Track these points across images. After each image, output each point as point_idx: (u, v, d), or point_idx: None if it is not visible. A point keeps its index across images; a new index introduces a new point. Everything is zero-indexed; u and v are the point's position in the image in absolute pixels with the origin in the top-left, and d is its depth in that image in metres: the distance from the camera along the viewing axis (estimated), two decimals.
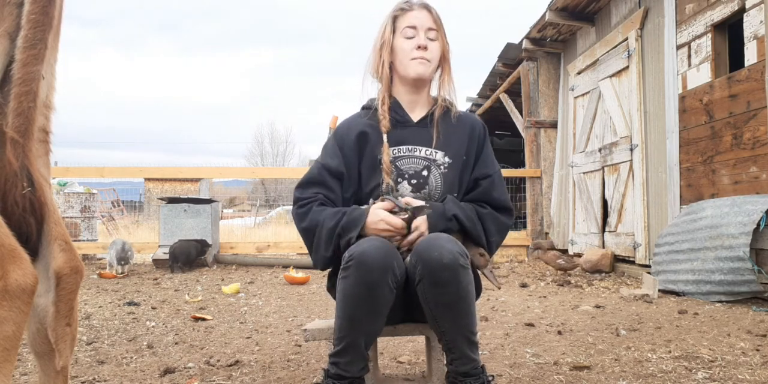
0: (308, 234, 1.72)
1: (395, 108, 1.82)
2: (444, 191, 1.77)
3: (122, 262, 5.64)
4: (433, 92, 1.89)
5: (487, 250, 1.75)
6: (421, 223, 1.66)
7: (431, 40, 1.78)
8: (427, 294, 1.55)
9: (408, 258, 1.62)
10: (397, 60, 1.79)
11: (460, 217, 1.69)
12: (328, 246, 1.66)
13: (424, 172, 1.78)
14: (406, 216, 1.63)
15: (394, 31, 1.79)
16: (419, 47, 1.76)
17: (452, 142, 1.81)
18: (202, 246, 6.13)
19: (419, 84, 1.82)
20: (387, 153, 1.76)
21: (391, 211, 1.66)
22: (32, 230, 1.09)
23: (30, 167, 1.08)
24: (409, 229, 1.64)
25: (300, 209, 1.75)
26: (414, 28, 1.77)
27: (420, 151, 1.79)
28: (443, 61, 1.84)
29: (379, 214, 1.64)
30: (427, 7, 1.80)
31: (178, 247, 5.85)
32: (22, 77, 1.05)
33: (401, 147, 1.79)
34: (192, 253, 5.97)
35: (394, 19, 1.80)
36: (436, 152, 1.79)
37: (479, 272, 1.78)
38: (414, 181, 1.77)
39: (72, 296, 1.16)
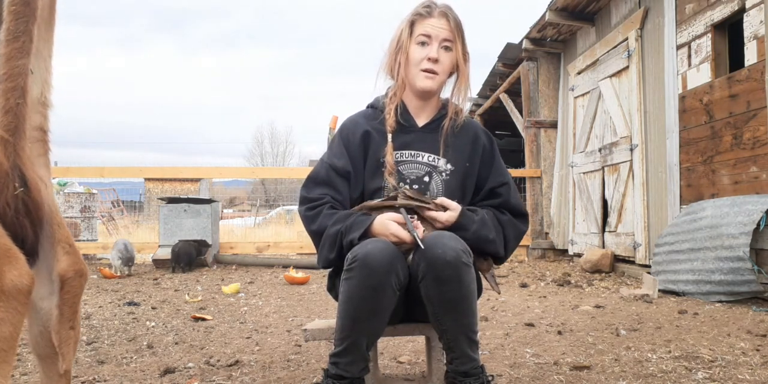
0: (317, 237, 1.72)
1: (402, 111, 1.81)
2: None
3: (129, 263, 5.63)
4: (445, 94, 1.86)
5: (504, 256, 1.78)
6: (453, 205, 1.68)
7: (446, 49, 1.75)
8: (430, 291, 1.55)
9: (410, 257, 1.61)
10: (408, 66, 1.77)
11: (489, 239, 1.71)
12: (332, 248, 1.65)
13: (426, 178, 1.78)
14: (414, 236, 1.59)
15: (410, 35, 1.75)
16: (429, 59, 1.73)
17: (455, 149, 1.81)
18: (200, 246, 6.14)
19: (426, 95, 1.81)
20: (390, 153, 1.75)
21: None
22: (27, 232, 1.06)
23: (23, 167, 1.02)
24: (417, 244, 1.60)
25: (309, 212, 1.73)
26: (429, 36, 1.73)
27: (423, 157, 1.79)
28: (458, 69, 1.80)
29: (389, 227, 1.60)
30: (446, 15, 1.75)
31: (181, 247, 5.85)
32: (7, 72, 0.99)
33: (404, 152, 1.78)
34: (194, 254, 5.98)
35: (412, 23, 1.76)
36: (438, 159, 1.79)
37: (481, 276, 1.78)
38: (415, 187, 1.76)
39: (76, 299, 1.14)
